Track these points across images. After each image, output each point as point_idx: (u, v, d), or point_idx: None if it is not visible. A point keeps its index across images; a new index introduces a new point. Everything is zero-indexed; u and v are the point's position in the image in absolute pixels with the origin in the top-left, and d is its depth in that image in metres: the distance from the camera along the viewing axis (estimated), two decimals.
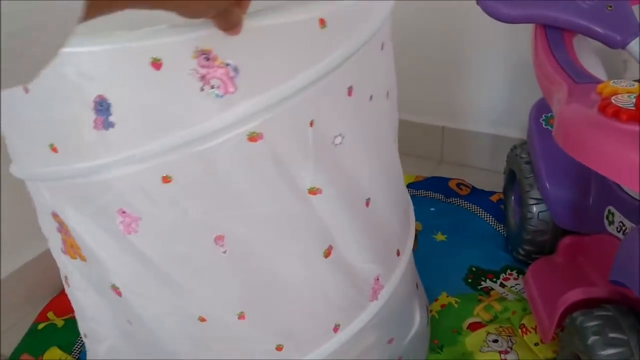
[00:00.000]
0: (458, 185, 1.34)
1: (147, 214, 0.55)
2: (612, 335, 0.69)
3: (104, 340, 0.71)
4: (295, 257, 0.61)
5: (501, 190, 1.22)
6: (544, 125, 1.03)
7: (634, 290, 0.67)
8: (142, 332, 0.65)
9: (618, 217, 0.89)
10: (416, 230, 1.19)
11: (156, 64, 0.48)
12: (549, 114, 1.02)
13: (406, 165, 1.49)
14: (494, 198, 1.28)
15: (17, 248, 1.08)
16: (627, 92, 0.69)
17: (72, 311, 1.06)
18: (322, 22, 0.53)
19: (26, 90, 0.52)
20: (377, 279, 0.69)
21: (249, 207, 0.56)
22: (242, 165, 0.54)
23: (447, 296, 1.03)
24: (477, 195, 1.30)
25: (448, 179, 1.36)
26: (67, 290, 0.72)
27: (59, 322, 1.06)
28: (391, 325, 0.75)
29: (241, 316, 0.61)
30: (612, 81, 0.73)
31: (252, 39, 0.50)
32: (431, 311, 1.00)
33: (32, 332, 1.05)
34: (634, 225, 0.86)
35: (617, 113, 0.65)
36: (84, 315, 0.72)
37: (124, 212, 0.55)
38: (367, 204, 0.66)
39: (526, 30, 1.00)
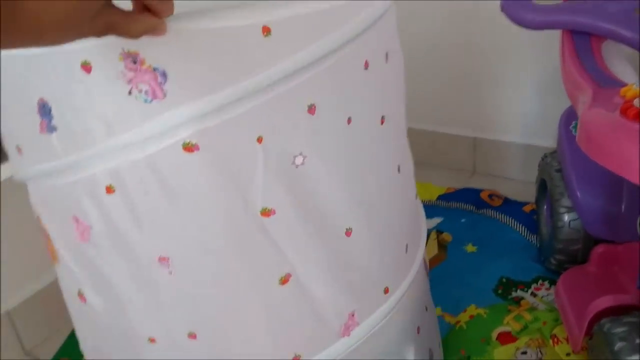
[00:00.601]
0: (490, 196, 1.32)
1: (96, 224, 0.54)
2: (638, 341, 0.67)
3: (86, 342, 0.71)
4: (248, 281, 0.57)
5: (534, 201, 1.20)
6: (573, 133, 1.01)
7: None
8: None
9: None
10: (446, 241, 1.20)
11: (86, 67, 0.47)
12: (577, 122, 1.01)
13: (438, 177, 1.51)
14: (526, 208, 1.26)
15: None
16: None
17: None
18: (266, 30, 0.49)
19: None
20: (352, 315, 0.63)
21: (196, 225, 0.53)
22: (184, 177, 0.51)
23: (477, 308, 1.02)
24: (510, 205, 1.29)
25: (480, 190, 1.34)
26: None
27: None
28: None
29: (192, 335, 0.58)
30: (635, 84, 0.72)
31: (183, 42, 0.47)
32: (459, 322, 0.99)
33: (70, 341, 1.08)
34: None
35: (638, 115, 0.64)
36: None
37: (77, 219, 0.54)
38: (349, 234, 0.60)
39: (556, 37, 0.99)
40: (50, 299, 1.09)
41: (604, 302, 0.78)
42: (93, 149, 0.50)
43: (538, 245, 1.15)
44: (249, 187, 0.52)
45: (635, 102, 0.67)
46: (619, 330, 0.70)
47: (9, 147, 0.58)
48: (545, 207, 1.13)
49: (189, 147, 0.49)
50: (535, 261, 1.12)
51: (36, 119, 0.51)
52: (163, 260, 0.54)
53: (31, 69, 0.50)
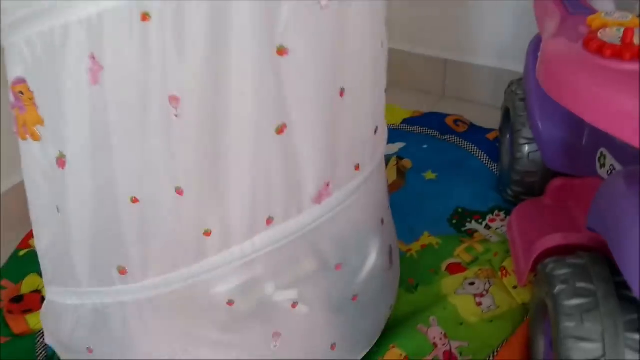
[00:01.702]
0: (455, 121, 1.29)
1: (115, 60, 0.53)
2: (579, 285, 0.65)
3: (43, 229, 0.69)
4: (249, 123, 0.57)
5: (497, 128, 1.17)
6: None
7: (606, 240, 0.64)
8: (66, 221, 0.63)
9: (610, 159, 0.84)
10: (406, 167, 1.17)
11: None
12: None
13: (406, 100, 1.46)
14: (490, 136, 1.23)
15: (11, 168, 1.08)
16: (618, 25, 0.63)
17: None
18: None
19: None
20: (327, 185, 0.65)
21: (207, 60, 0.53)
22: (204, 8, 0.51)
23: (429, 236, 1.01)
24: (474, 132, 1.25)
25: (445, 115, 1.30)
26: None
27: None
28: (337, 246, 0.69)
29: (179, 191, 0.58)
30: (604, 12, 0.66)
31: None
32: (410, 250, 0.98)
33: (14, 258, 1.06)
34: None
35: (601, 48, 0.59)
36: (30, 202, 0.68)
37: (93, 57, 0.53)
38: (342, 94, 0.61)
39: None
40: None
41: (552, 240, 0.76)
42: None
43: (498, 175, 1.13)
44: (271, 15, 0.53)
45: (600, 33, 0.61)
46: (561, 272, 0.68)
47: None
48: (508, 136, 1.10)
49: None
50: (494, 190, 1.10)
51: None
52: (173, 99, 0.54)
53: None
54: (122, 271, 0.63)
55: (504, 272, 0.94)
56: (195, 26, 0.52)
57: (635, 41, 0.59)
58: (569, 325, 0.63)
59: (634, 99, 0.56)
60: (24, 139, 0.61)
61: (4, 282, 1.01)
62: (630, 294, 0.63)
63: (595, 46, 0.60)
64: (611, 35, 0.60)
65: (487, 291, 0.91)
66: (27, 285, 1.00)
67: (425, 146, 1.22)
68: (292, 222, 0.64)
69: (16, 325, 0.93)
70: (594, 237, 0.74)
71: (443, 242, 0.99)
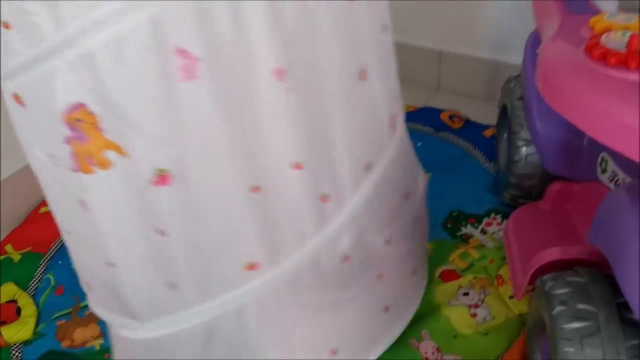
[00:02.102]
0: (451, 117, 1.24)
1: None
2: (579, 306, 0.61)
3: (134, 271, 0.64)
4: (339, 76, 0.60)
5: (495, 124, 1.12)
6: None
7: (608, 258, 0.60)
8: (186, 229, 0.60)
9: (612, 165, 0.80)
10: None
11: None
12: None
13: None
14: (487, 133, 1.19)
15: None
16: (623, 29, 0.58)
17: (32, 244, 1.04)
18: None
19: None
20: (394, 119, 0.71)
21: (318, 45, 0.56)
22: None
23: None
24: (470, 128, 1.21)
25: (441, 111, 1.26)
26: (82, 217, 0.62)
27: (16, 257, 1.02)
28: (406, 176, 0.77)
29: (298, 166, 0.59)
30: (608, 13, 0.62)
31: None
32: None
33: None
34: (627, 177, 0.77)
35: (605, 56, 0.54)
36: (103, 242, 0.62)
37: (184, 52, 0.50)
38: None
39: None
40: None
41: (550, 254, 0.72)
42: None
43: (494, 175, 1.08)
44: None
45: (603, 38, 0.57)
46: (561, 291, 0.64)
47: None
48: (505, 135, 1.05)
49: None
50: (490, 192, 1.06)
51: None
52: (280, 73, 0.54)
53: None
54: (252, 266, 0.62)
55: (500, 280, 0.90)
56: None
57: None
58: (568, 350, 0.60)
59: (630, 107, 0.52)
60: (89, 172, 0.55)
61: None
62: (632, 316, 0.59)
63: (598, 53, 0.55)
64: (616, 40, 0.56)
65: (482, 301, 0.87)
66: (5, 293, 0.96)
67: (419, 144, 1.17)
68: (383, 162, 0.68)
69: None
70: (594, 250, 0.70)
71: (437, 247, 0.95)
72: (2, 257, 1.02)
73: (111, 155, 0.54)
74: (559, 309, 0.62)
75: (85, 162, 0.54)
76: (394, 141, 0.72)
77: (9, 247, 1.04)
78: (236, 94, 0.54)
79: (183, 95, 0.51)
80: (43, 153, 0.58)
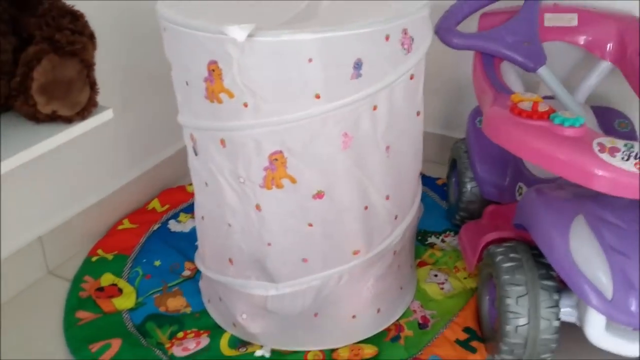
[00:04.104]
0: None
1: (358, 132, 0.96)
2: (511, 255, 1.07)
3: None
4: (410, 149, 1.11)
5: (444, 176, 1.60)
6: (477, 126, 1.41)
7: (526, 227, 1.06)
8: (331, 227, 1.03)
9: (525, 190, 1.28)
10: None
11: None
12: (481, 118, 1.41)
13: None
14: (439, 182, 1.66)
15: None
16: (529, 100, 1.07)
17: (117, 249, 1.39)
18: None
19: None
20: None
21: (402, 128, 1.03)
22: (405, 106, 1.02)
23: None
24: (427, 179, 1.67)
25: None
26: (255, 224, 1.03)
27: (109, 256, 1.37)
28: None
29: (387, 197, 1.06)
30: (520, 93, 1.11)
31: None
32: None
33: (88, 262, 1.36)
34: None
35: (520, 113, 1.03)
36: (266, 230, 1.02)
37: (346, 134, 0.95)
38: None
39: (468, 58, 1.38)
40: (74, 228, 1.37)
41: (492, 235, 1.18)
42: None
43: (447, 208, 1.55)
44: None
45: (519, 105, 1.06)
46: (500, 250, 1.09)
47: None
48: (453, 179, 1.53)
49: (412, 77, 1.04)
50: (445, 219, 1.52)
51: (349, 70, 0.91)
52: (387, 149, 1.03)
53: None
54: (356, 252, 1.07)
55: (456, 269, 1.34)
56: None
57: (540, 109, 1.03)
58: (506, 277, 1.04)
59: (537, 138, 0.99)
60: (270, 188, 0.97)
61: (86, 278, 1.31)
62: (542, 259, 1.05)
63: (517, 111, 1.03)
64: (526, 106, 1.05)
65: (447, 280, 1.31)
66: (105, 280, 1.30)
67: None
68: (417, 198, 1.22)
69: (105, 306, 1.23)
70: (517, 233, 1.17)
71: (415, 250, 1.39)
72: (96, 257, 1.37)
73: (286, 182, 0.97)
74: (499, 257, 1.07)
75: (270, 183, 0.97)
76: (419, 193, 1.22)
77: (100, 251, 1.39)
78: (363, 158, 0.99)
79: (339, 155, 0.97)
80: (233, 177, 1.00)
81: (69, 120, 0.94)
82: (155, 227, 1.46)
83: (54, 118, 0.93)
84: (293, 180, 0.97)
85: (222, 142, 0.97)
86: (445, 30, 1.30)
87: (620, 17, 1.36)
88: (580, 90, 1.43)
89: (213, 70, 0.90)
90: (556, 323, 1.02)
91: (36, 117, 0.91)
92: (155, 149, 1.59)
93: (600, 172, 0.94)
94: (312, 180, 0.98)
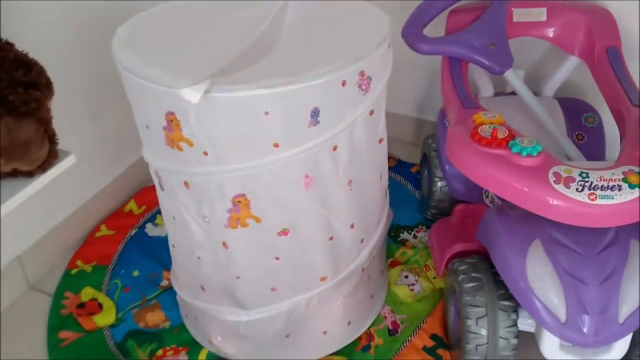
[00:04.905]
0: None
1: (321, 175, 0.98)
2: (472, 274, 1.10)
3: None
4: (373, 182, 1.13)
5: (418, 162, 1.62)
6: (447, 125, 1.41)
7: (487, 247, 1.09)
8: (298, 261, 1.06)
9: (490, 192, 1.30)
10: None
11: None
12: None
13: None
14: (413, 169, 1.67)
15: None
16: (490, 124, 1.07)
17: (96, 259, 1.42)
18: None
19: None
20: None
21: (364, 159, 1.05)
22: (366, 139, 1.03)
23: None
24: (402, 166, 1.69)
25: None
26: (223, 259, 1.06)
27: (88, 268, 1.40)
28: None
29: (352, 226, 1.09)
30: (483, 113, 1.11)
31: None
32: None
33: (67, 276, 1.39)
34: (499, 200, 1.28)
35: (480, 140, 1.04)
36: (234, 264, 1.05)
37: (307, 176, 0.96)
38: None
39: None
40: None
41: (456, 248, 1.21)
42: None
43: (419, 198, 1.57)
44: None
45: (480, 129, 1.06)
46: (462, 267, 1.12)
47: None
48: (425, 172, 1.54)
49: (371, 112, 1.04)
50: (418, 211, 1.54)
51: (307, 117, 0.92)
52: (350, 183, 1.05)
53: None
54: (323, 278, 1.10)
55: (427, 268, 1.38)
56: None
57: (499, 136, 1.03)
58: (467, 298, 1.08)
59: (494, 168, 1.01)
60: (235, 227, 0.99)
61: (67, 294, 1.35)
62: (500, 278, 1.08)
63: (477, 138, 1.04)
64: (485, 131, 1.05)
65: (417, 281, 1.35)
66: (85, 294, 1.34)
67: None
68: (384, 219, 1.25)
69: (87, 324, 1.28)
70: (481, 246, 1.20)
71: (387, 248, 1.43)
72: (77, 269, 1.40)
73: (251, 221, 0.99)
74: (462, 276, 1.11)
75: (234, 223, 0.99)
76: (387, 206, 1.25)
77: (79, 262, 1.42)
78: (326, 195, 1.01)
79: (302, 196, 0.98)
80: (199, 216, 1.01)
81: (30, 175, 0.95)
82: (133, 232, 1.49)
83: (15, 174, 0.94)
84: (257, 220, 0.99)
85: (186, 184, 0.98)
86: (412, 35, 1.28)
87: (590, 9, 1.34)
88: (549, 84, 1.43)
89: (171, 121, 0.90)
90: (514, 341, 1.07)
91: None
92: (128, 149, 1.59)
93: (554, 202, 0.96)
94: (276, 219, 1.00)
